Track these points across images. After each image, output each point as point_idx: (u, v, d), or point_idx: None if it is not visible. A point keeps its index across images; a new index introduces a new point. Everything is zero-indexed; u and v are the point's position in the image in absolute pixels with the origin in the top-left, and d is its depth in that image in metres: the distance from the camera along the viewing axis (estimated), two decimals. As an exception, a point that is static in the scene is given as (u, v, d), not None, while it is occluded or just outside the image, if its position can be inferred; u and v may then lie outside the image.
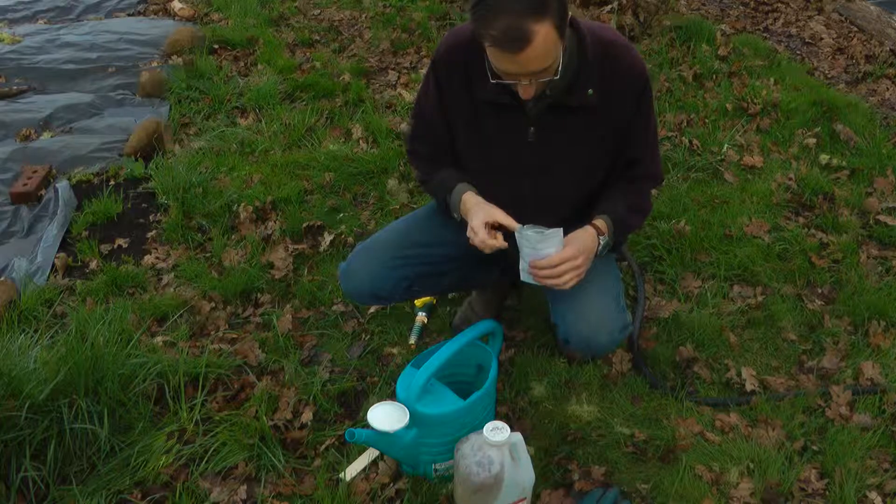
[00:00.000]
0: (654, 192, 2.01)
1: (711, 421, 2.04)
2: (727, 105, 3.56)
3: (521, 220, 1.74)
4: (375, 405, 1.77)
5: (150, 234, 2.85)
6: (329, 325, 2.40)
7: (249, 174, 3.12)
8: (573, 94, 1.70)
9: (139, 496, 1.86)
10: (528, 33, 1.46)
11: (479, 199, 1.81)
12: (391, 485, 1.87)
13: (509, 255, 1.90)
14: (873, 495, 1.83)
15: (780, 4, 4.90)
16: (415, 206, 2.92)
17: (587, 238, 1.77)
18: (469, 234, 1.75)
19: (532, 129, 1.76)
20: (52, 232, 2.80)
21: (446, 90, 1.81)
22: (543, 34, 1.48)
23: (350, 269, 1.99)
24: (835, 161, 3.16)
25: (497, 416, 1.98)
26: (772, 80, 3.78)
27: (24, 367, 1.92)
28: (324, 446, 1.98)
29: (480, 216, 1.74)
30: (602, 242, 1.80)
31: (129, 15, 4.85)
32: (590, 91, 1.70)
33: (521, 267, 1.79)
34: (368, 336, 2.34)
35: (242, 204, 2.90)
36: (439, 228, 1.98)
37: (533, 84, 1.60)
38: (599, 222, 1.82)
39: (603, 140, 1.81)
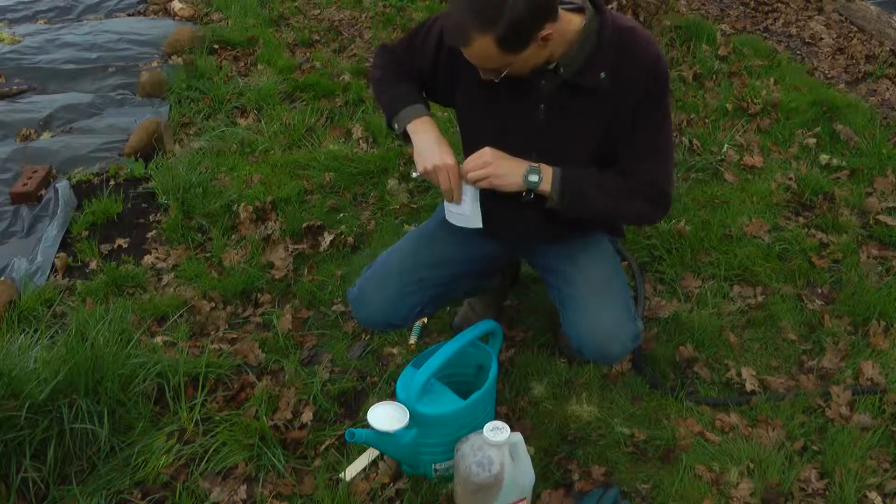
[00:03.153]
0: (648, 205, 1.83)
1: (711, 421, 2.04)
2: (727, 105, 3.56)
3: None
4: (375, 405, 1.77)
5: (150, 234, 2.85)
6: (329, 325, 2.40)
7: (249, 174, 3.12)
8: (586, 75, 1.69)
9: (139, 496, 1.86)
10: (466, 38, 1.55)
11: (438, 133, 1.79)
12: (391, 485, 1.87)
13: (510, 258, 1.91)
14: (873, 495, 1.83)
15: (780, 4, 4.90)
16: (415, 206, 2.93)
17: (517, 160, 1.75)
18: (437, 161, 1.74)
19: (542, 107, 1.76)
20: (52, 232, 2.80)
21: (456, 52, 1.74)
22: (480, 45, 1.54)
23: (362, 298, 1.96)
24: (835, 161, 3.16)
25: (497, 416, 1.98)
26: (772, 80, 3.78)
27: (24, 367, 1.92)
28: (324, 446, 1.98)
29: (450, 157, 1.76)
30: (529, 178, 1.73)
31: (129, 15, 4.85)
32: (602, 74, 1.69)
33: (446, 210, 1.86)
34: (368, 336, 2.34)
35: (242, 204, 2.90)
36: (447, 246, 1.98)
37: (489, 73, 1.65)
38: (545, 166, 1.76)
39: (610, 127, 1.76)
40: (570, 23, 1.66)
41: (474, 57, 1.59)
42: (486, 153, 1.74)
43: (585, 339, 1.86)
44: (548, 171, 1.76)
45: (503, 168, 1.73)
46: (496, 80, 1.68)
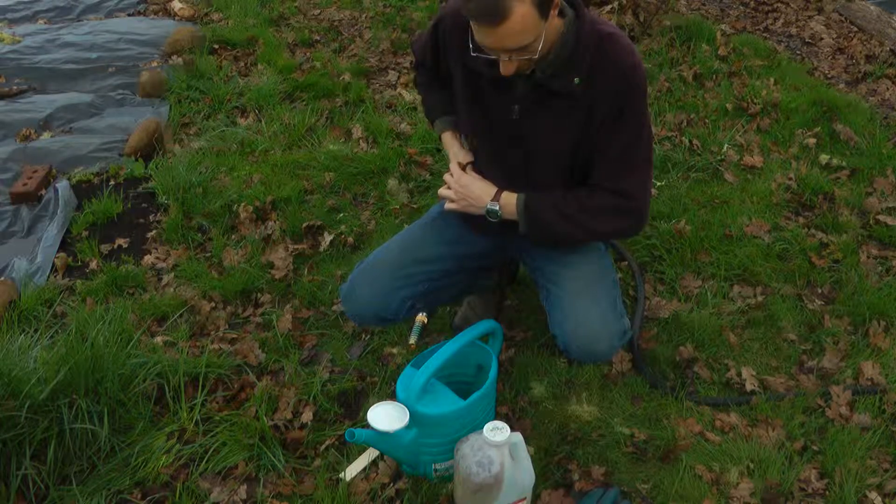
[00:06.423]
0: (620, 220, 1.82)
1: (711, 421, 2.04)
2: (727, 105, 3.56)
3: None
4: (375, 405, 1.77)
5: (150, 234, 2.85)
6: (329, 325, 2.40)
7: (249, 174, 3.12)
8: (560, 79, 1.69)
9: (139, 496, 1.86)
10: (505, 9, 1.48)
11: (453, 142, 1.99)
12: (391, 485, 1.87)
13: (501, 258, 2.00)
14: (873, 495, 1.83)
15: (780, 4, 4.90)
16: (415, 206, 2.93)
17: (484, 188, 1.86)
18: (447, 176, 1.94)
19: (517, 108, 1.76)
20: (52, 232, 2.80)
21: (446, 50, 1.86)
22: (521, 12, 1.49)
23: (353, 292, 1.99)
24: (835, 161, 3.16)
25: (497, 416, 1.98)
26: (772, 80, 3.78)
27: (24, 367, 1.92)
28: (324, 446, 1.98)
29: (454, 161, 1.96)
30: (489, 208, 1.84)
31: (129, 15, 4.85)
32: (576, 80, 1.68)
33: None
34: (368, 336, 2.34)
35: (242, 204, 2.90)
36: (436, 244, 2.01)
37: (514, 61, 1.61)
38: (508, 195, 1.84)
39: (585, 131, 1.75)
40: (552, 23, 1.65)
41: (514, 31, 1.52)
42: (459, 179, 1.88)
43: (571, 338, 1.87)
44: (510, 201, 1.82)
45: (467, 202, 1.87)
46: (514, 74, 1.65)
